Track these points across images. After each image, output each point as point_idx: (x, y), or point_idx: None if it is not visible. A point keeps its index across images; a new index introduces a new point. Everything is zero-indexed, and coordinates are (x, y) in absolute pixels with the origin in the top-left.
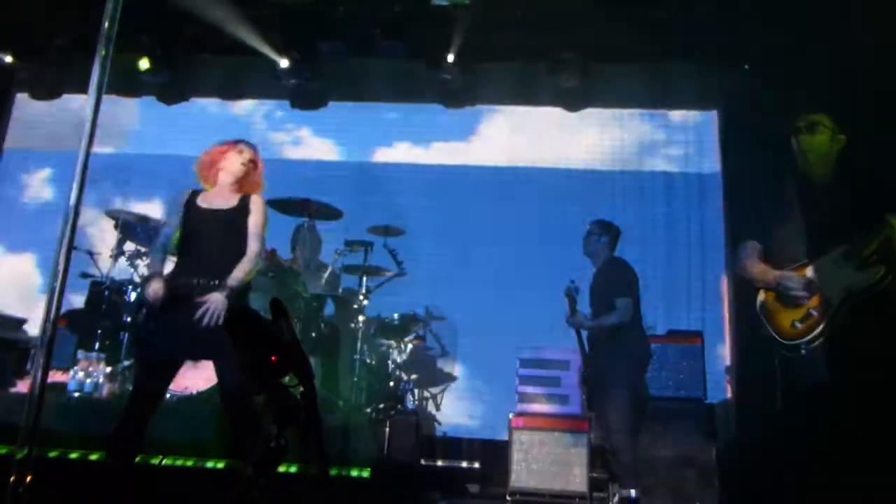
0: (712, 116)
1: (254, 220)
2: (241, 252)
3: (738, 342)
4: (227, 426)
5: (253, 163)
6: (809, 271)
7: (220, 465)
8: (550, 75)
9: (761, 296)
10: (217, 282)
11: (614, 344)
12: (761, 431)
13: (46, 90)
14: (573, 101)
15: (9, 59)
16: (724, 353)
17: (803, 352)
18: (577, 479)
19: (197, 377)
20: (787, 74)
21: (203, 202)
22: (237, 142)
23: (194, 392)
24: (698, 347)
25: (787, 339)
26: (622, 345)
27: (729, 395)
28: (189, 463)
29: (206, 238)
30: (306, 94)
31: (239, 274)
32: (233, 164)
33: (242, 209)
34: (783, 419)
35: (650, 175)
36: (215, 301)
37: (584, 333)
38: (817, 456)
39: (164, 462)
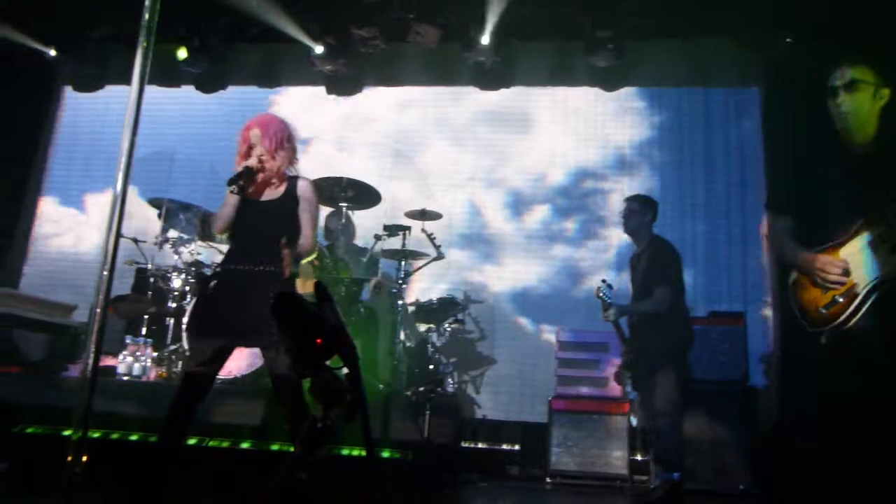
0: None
1: (308, 208)
2: (293, 239)
3: (781, 321)
4: (280, 411)
5: (272, 144)
6: (844, 252)
7: (272, 448)
8: (587, 55)
9: (794, 274)
10: (269, 268)
11: (657, 326)
12: (803, 415)
13: (89, 82)
14: (610, 81)
15: (52, 52)
16: (767, 332)
17: (823, 340)
18: (617, 461)
19: (240, 361)
20: (833, 44)
21: (253, 192)
22: (247, 128)
23: (237, 376)
24: (740, 329)
25: (812, 325)
26: (665, 327)
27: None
28: (243, 445)
29: (256, 228)
30: (341, 79)
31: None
32: (252, 160)
33: (290, 197)
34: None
35: (689, 147)
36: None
37: (623, 318)
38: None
39: (208, 444)
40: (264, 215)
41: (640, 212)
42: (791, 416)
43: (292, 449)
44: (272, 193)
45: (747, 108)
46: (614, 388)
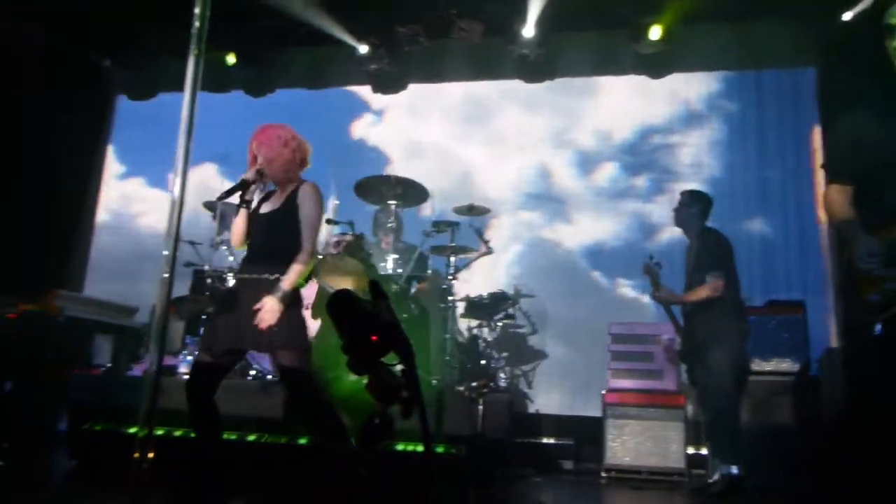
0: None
1: (305, 215)
2: (295, 247)
3: (843, 305)
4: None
5: (270, 152)
6: None
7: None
8: (631, 42)
9: (846, 252)
10: (272, 276)
11: (712, 317)
12: (866, 407)
13: (142, 91)
14: (656, 68)
15: (107, 62)
16: (829, 317)
17: (877, 331)
18: (674, 455)
19: None
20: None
21: (259, 201)
22: (250, 140)
23: None
24: (800, 318)
25: (865, 313)
26: (720, 318)
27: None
28: (300, 441)
29: (260, 238)
30: (386, 77)
31: (292, 276)
32: (249, 172)
33: (289, 206)
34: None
35: (741, 128)
36: (269, 309)
37: (675, 308)
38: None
39: (266, 440)
40: (266, 225)
41: (687, 204)
42: (854, 408)
43: (304, 442)
44: (276, 202)
45: (802, 89)
46: (669, 381)
